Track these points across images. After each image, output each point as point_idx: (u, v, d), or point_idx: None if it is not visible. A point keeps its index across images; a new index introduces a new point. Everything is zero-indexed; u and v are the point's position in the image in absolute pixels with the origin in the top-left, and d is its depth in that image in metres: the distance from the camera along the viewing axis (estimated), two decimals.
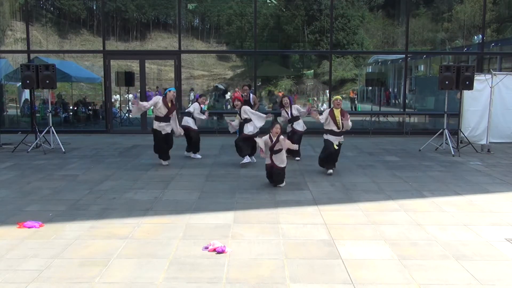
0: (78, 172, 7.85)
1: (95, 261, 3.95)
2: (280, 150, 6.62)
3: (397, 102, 17.65)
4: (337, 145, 7.54)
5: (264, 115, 8.52)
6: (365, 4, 20.07)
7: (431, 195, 6.32)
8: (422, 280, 3.61)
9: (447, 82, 9.85)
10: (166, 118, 8.17)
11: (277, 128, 6.52)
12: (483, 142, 10.72)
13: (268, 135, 6.64)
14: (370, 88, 20.03)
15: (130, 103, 18.10)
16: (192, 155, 9.22)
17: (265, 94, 18.62)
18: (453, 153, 9.71)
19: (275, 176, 6.65)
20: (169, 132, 8.24)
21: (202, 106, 9.40)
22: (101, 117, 15.45)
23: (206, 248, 4.24)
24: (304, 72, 20.58)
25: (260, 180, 7.10)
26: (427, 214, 5.42)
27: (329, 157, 7.58)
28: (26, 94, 14.67)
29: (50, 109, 10.95)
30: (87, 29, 22.95)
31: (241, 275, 3.68)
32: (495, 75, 10.80)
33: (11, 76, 14.77)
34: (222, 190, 6.56)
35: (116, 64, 18.69)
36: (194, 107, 9.12)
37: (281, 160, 6.63)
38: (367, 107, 18.78)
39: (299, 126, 9.00)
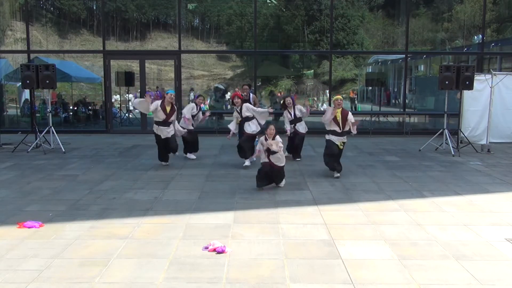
0: (78, 172, 7.85)
1: (95, 261, 3.95)
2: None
3: (397, 102, 17.65)
4: (340, 145, 7.40)
5: (267, 110, 8.51)
6: (365, 4, 20.06)
7: (431, 195, 6.32)
8: (422, 280, 3.62)
9: (447, 82, 9.85)
10: (165, 123, 8.00)
11: (271, 129, 6.44)
12: (483, 142, 10.72)
13: (264, 136, 6.57)
14: (370, 88, 20.02)
15: (132, 101, 18.14)
16: (188, 155, 9.11)
17: (265, 94, 18.61)
18: (453, 153, 9.71)
19: (275, 175, 6.59)
20: (169, 136, 8.02)
21: (202, 106, 9.35)
22: (101, 117, 15.45)
23: (206, 248, 4.24)
24: (304, 72, 20.58)
25: None
26: (427, 214, 5.42)
27: (331, 157, 7.47)
28: (26, 94, 14.67)
29: (50, 109, 10.96)
30: (87, 29, 22.94)
31: (241, 275, 3.68)
32: (495, 75, 10.80)
33: (11, 76, 14.76)
34: (222, 190, 6.56)
35: (116, 64, 18.68)
36: (189, 108, 8.94)
37: (278, 159, 6.53)
38: (367, 107, 18.77)
39: (302, 127, 8.85)
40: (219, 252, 4.14)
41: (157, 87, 20.34)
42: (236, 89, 16.45)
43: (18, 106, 15.79)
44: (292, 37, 19.74)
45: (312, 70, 20.41)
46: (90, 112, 16.17)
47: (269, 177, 6.61)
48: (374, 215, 5.37)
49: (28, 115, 14.15)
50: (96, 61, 17.36)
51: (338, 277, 3.67)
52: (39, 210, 5.50)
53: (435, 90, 12.84)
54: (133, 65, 18.57)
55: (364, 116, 15.33)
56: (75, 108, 16.30)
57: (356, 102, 19.67)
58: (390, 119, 15.42)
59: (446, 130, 10.18)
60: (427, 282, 3.59)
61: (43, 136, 10.28)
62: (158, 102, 8.00)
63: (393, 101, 18.54)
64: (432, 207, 5.75)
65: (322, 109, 17.28)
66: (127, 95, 18.14)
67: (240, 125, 8.52)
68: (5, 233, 4.67)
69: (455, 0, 17.79)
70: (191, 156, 9.11)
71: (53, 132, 10.28)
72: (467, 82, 9.81)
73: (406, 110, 14.50)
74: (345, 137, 7.45)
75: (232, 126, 8.55)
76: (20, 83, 10.93)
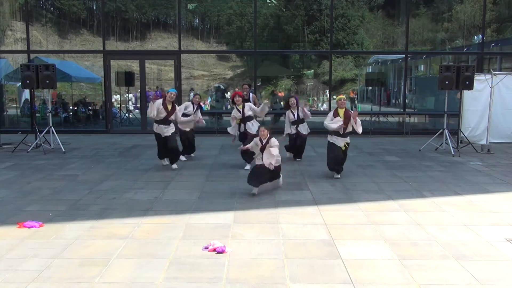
0: (78, 172, 7.85)
1: (95, 261, 3.95)
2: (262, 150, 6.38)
3: (397, 102, 17.65)
4: (343, 147, 7.27)
5: (265, 104, 8.54)
6: (365, 4, 20.05)
7: (431, 195, 6.32)
8: (422, 280, 3.62)
9: (447, 82, 9.85)
10: (165, 121, 7.95)
11: (263, 131, 6.30)
12: (483, 142, 10.72)
13: (258, 137, 6.42)
14: (370, 88, 20.02)
15: (131, 103, 18.14)
16: (182, 157, 8.91)
17: (266, 94, 18.61)
18: (453, 153, 9.71)
19: (270, 176, 6.42)
20: (169, 135, 7.97)
21: (203, 105, 9.31)
22: (101, 117, 15.45)
23: (206, 248, 4.24)
24: (304, 72, 20.57)
25: None
26: (427, 214, 5.42)
27: (335, 160, 7.33)
28: (26, 94, 14.67)
29: (50, 109, 10.96)
30: (87, 29, 22.94)
31: (241, 275, 3.68)
32: (495, 75, 10.80)
33: (11, 76, 14.76)
34: (222, 190, 6.56)
35: (116, 64, 18.68)
36: (181, 107, 8.71)
37: (274, 161, 6.28)
38: (367, 107, 18.77)
39: (304, 129, 8.74)
40: (219, 252, 4.14)
41: (157, 87, 20.33)
42: (236, 89, 16.45)
43: (18, 106, 15.78)
44: (292, 37, 19.74)
45: (312, 70, 20.40)
46: (90, 112, 16.17)
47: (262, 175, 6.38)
48: (374, 215, 5.37)
49: (28, 115, 14.15)
50: (96, 61, 17.35)
51: (338, 277, 3.67)
52: (39, 210, 5.50)
53: (435, 90, 12.84)
54: (133, 65, 18.57)
55: (364, 116, 15.33)
56: (75, 108, 16.29)
57: (356, 102, 19.67)
58: (390, 119, 15.43)
59: (446, 130, 10.18)
60: (427, 282, 3.59)
61: (43, 136, 10.28)
62: (160, 101, 7.97)
63: (393, 101, 18.54)
64: (432, 207, 5.75)
65: (322, 109, 17.29)
66: (127, 95, 18.15)
67: (240, 125, 8.43)
68: (5, 233, 4.67)
69: (455, 0, 17.79)
70: (182, 158, 8.93)
71: (53, 132, 10.28)
72: (467, 82, 9.81)
73: (406, 110, 14.50)
74: (348, 137, 7.35)
75: (232, 130, 8.45)
76: (20, 83, 10.93)
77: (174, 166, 8.12)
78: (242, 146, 6.96)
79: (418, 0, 17.23)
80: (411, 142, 11.80)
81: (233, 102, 8.43)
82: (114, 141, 11.85)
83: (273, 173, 6.41)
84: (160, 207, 5.67)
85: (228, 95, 18.19)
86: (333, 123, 7.20)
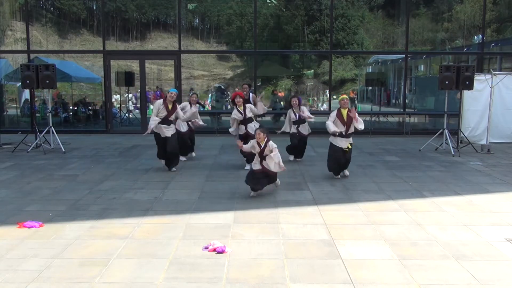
0: (78, 172, 7.85)
1: (95, 261, 3.95)
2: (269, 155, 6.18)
3: (397, 102, 17.65)
4: (346, 148, 7.13)
5: (259, 101, 8.60)
6: (365, 4, 20.05)
7: (431, 195, 6.32)
8: (422, 280, 3.61)
9: (447, 82, 9.85)
10: (165, 121, 7.81)
11: (258, 135, 6.08)
12: (483, 142, 10.72)
13: (255, 141, 6.18)
14: (370, 88, 20.02)
15: (131, 103, 18.14)
16: (182, 158, 8.90)
17: (266, 94, 18.61)
18: (453, 153, 9.71)
19: (270, 180, 6.27)
20: (169, 136, 7.84)
21: (202, 104, 9.28)
22: (101, 117, 15.45)
23: (206, 248, 4.24)
24: (304, 72, 20.57)
25: None
26: (427, 214, 5.42)
27: (336, 162, 7.21)
28: (26, 94, 14.68)
29: (50, 109, 10.96)
30: (87, 29, 22.93)
31: (241, 275, 3.68)
32: (495, 75, 10.80)
33: (11, 76, 14.77)
34: (222, 190, 6.56)
35: (116, 64, 18.67)
36: (181, 107, 8.65)
37: (274, 165, 6.15)
38: (367, 107, 18.77)
39: (305, 129, 8.69)
40: (219, 252, 4.14)
41: (157, 87, 20.34)
42: (236, 89, 16.45)
43: (18, 106, 15.79)
44: (292, 37, 19.74)
45: (312, 70, 20.40)
46: (90, 112, 16.17)
47: (252, 178, 6.20)
48: (374, 215, 5.37)
49: (28, 115, 14.15)
50: (96, 61, 17.35)
51: (338, 277, 3.67)
52: (39, 210, 5.50)
53: (435, 90, 12.85)
54: (133, 65, 18.57)
55: (364, 116, 15.31)
56: (75, 108, 16.30)
57: (356, 102, 19.66)
58: (390, 119, 15.43)
59: (446, 130, 10.18)
60: (427, 282, 3.59)
61: (43, 136, 10.28)
62: (160, 101, 7.91)
63: (393, 101, 18.54)
64: (432, 207, 5.75)
65: (322, 109, 17.29)
66: (127, 95, 18.14)
67: (241, 125, 8.29)
68: (5, 233, 4.67)
69: (455, 0, 17.79)
70: (193, 154, 9.10)
71: (53, 132, 10.28)
72: (467, 82, 9.81)
73: (406, 110, 14.50)
74: (351, 138, 7.22)
75: (234, 132, 8.33)
76: (20, 83, 10.93)
77: (173, 169, 8.02)
78: (238, 141, 6.64)
79: (418, 0, 17.23)
80: (411, 142, 11.80)
81: (234, 103, 8.30)
82: (114, 141, 11.86)
83: (271, 178, 6.29)
84: (160, 207, 5.67)
85: (228, 94, 18.20)
86: (333, 125, 7.09)
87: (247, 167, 7.94)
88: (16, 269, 3.80)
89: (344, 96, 7.26)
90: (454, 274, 3.75)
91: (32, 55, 14.08)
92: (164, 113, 7.80)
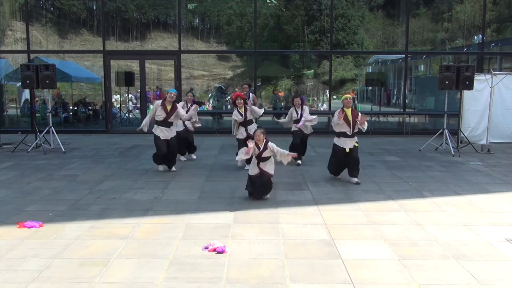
0: (78, 172, 7.85)
1: (95, 261, 3.95)
2: (268, 158, 6.02)
3: (397, 102, 17.66)
4: (350, 149, 6.90)
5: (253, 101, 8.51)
6: (365, 4, 20.06)
7: (431, 195, 6.32)
8: (422, 280, 3.61)
9: (447, 82, 9.86)
10: (165, 123, 7.59)
11: (258, 136, 5.86)
12: (483, 142, 10.72)
13: (254, 143, 5.89)
14: (370, 88, 20.03)
15: (131, 103, 18.15)
16: (183, 158, 8.90)
17: (266, 94, 18.62)
18: (453, 153, 9.71)
19: (263, 184, 5.96)
20: (168, 138, 7.63)
21: (203, 106, 9.24)
22: (101, 117, 15.45)
23: (206, 248, 4.24)
24: (304, 72, 20.58)
25: None
26: (427, 214, 5.42)
27: (338, 164, 7.10)
28: (26, 94, 14.68)
29: (50, 109, 10.96)
30: (87, 29, 22.94)
31: (241, 275, 3.68)
32: (495, 75, 10.80)
33: (11, 76, 14.77)
34: (222, 190, 6.56)
35: (116, 64, 18.68)
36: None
37: (270, 167, 6.02)
38: (367, 107, 18.78)
39: (306, 128, 8.59)
40: (219, 252, 4.14)
41: (157, 87, 20.35)
42: (236, 89, 16.45)
43: (18, 106, 15.79)
44: (292, 37, 19.75)
45: (312, 70, 20.41)
46: (90, 112, 16.18)
47: (253, 183, 6.00)
48: (374, 215, 5.37)
49: (28, 115, 14.15)
50: (96, 61, 17.36)
51: (338, 277, 3.67)
52: (39, 210, 5.50)
53: (435, 90, 12.85)
54: (133, 65, 18.58)
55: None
56: (75, 108, 16.31)
57: (356, 102, 19.66)
58: (390, 119, 15.43)
59: (446, 130, 10.18)
60: (427, 282, 3.59)
61: (43, 136, 10.28)
62: (159, 101, 7.73)
63: (393, 101, 18.55)
64: (432, 207, 5.75)
65: (322, 109, 17.29)
66: (127, 95, 18.15)
67: (241, 127, 8.11)
68: (5, 233, 4.66)
69: (455, 0, 17.79)
70: (193, 156, 9.06)
71: (53, 132, 10.28)
72: (467, 82, 9.81)
73: (406, 110, 14.50)
74: (356, 137, 7.06)
75: (235, 133, 8.17)
76: (20, 83, 10.93)
77: (173, 169, 7.92)
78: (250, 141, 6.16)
79: (418, 0, 17.23)
80: (411, 142, 11.80)
81: (234, 104, 8.16)
82: (114, 141, 11.86)
83: (268, 185, 6.06)
84: (160, 207, 5.67)
85: (228, 95, 18.21)
86: (339, 124, 6.90)
87: (247, 167, 7.91)
88: (16, 269, 3.80)
89: (347, 95, 7.11)
90: (454, 274, 3.75)
91: (32, 55, 14.08)
92: (162, 114, 7.59)
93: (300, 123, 8.45)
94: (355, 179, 7.05)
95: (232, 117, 8.08)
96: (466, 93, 10.62)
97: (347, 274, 3.72)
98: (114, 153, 9.96)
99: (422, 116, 15.83)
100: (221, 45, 23.64)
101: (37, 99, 15.55)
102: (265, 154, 6.00)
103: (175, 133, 7.81)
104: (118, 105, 17.57)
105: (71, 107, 16.66)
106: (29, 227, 4.82)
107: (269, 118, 14.07)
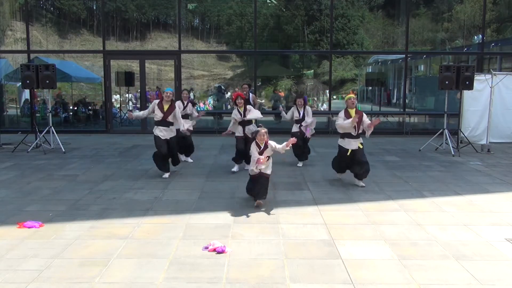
0: (78, 172, 7.85)
1: (95, 261, 3.95)
2: (267, 158, 5.80)
3: (397, 102, 17.66)
4: (354, 150, 6.74)
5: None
6: (365, 4, 20.06)
7: (431, 195, 6.32)
8: (422, 280, 3.61)
9: (447, 82, 9.86)
10: (162, 122, 7.40)
11: (261, 135, 5.66)
12: (483, 142, 10.72)
13: (254, 142, 5.78)
14: (370, 88, 20.03)
15: (131, 103, 18.15)
16: (185, 159, 8.84)
17: (265, 94, 18.62)
18: (453, 153, 9.71)
19: (260, 185, 5.74)
20: (168, 138, 7.45)
21: (202, 105, 9.21)
22: (101, 117, 15.46)
23: (206, 248, 4.24)
24: (304, 72, 20.58)
25: None
26: (427, 214, 5.42)
27: (342, 165, 6.99)
28: (26, 94, 14.68)
29: (50, 109, 10.96)
30: (87, 29, 22.94)
31: (241, 275, 3.68)
32: (495, 75, 10.80)
33: (11, 76, 14.77)
34: (222, 190, 6.56)
35: (116, 64, 18.68)
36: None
37: (267, 167, 5.80)
38: (367, 107, 18.78)
39: (307, 129, 8.46)
40: (219, 252, 4.14)
41: (157, 87, 20.36)
42: (237, 89, 16.45)
43: (18, 106, 15.79)
44: (292, 37, 19.75)
45: (312, 70, 20.41)
46: (90, 112, 16.18)
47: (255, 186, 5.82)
48: (374, 215, 5.37)
49: (28, 115, 14.16)
50: (96, 61, 17.36)
51: (338, 277, 3.67)
52: (39, 210, 5.50)
53: (435, 90, 12.85)
54: (133, 65, 18.57)
55: None
56: (75, 108, 16.31)
57: (356, 102, 19.65)
58: (390, 119, 15.42)
59: (446, 130, 10.18)
60: (427, 282, 3.59)
61: (43, 136, 10.28)
62: (156, 101, 7.57)
63: (393, 101, 18.55)
64: (432, 207, 5.74)
65: (322, 109, 17.29)
66: (127, 95, 18.15)
67: (239, 126, 8.02)
68: (5, 233, 4.66)
69: (455, 0, 17.79)
70: (188, 159, 8.93)
71: (53, 132, 10.28)
72: (467, 82, 9.81)
73: (406, 110, 14.50)
74: (360, 138, 6.88)
75: (232, 128, 8.07)
76: (20, 83, 10.93)
77: (174, 168, 7.85)
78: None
79: (418, 0, 17.23)
80: (411, 142, 11.80)
81: (235, 103, 8.06)
82: (114, 141, 11.86)
83: (265, 186, 5.83)
84: (160, 207, 5.67)
85: (228, 95, 18.20)
86: (346, 123, 6.73)
87: (247, 167, 7.88)
88: (16, 269, 3.80)
89: (351, 95, 6.93)
90: (454, 274, 3.75)
91: (32, 55, 14.08)
92: (159, 114, 7.39)
93: (308, 131, 8.30)
94: (361, 183, 6.89)
95: (232, 115, 8.03)
96: (466, 93, 10.62)
97: (347, 274, 3.72)
98: (114, 153, 9.96)
99: (422, 116, 15.83)
100: (221, 45, 23.64)
101: (38, 99, 15.58)
102: (265, 154, 5.83)
103: (175, 133, 7.65)
104: (118, 105, 17.58)
105: (71, 107, 16.66)
106: (29, 227, 4.82)
107: (270, 118, 14.07)
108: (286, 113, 8.68)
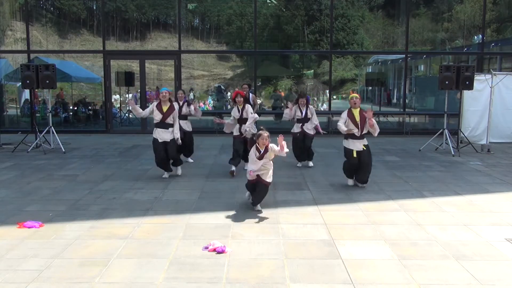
0: (78, 172, 7.85)
1: (95, 261, 3.95)
2: (267, 167, 5.58)
3: (397, 102, 17.67)
4: (359, 152, 6.61)
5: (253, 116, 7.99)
6: (365, 4, 20.07)
7: (431, 195, 6.32)
8: (422, 280, 3.61)
9: (447, 82, 9.86)
10: (161, 124, 7.17)
11: (263, 139, 5.41)
12: (483, 142, 10.72)
13: (254, 146, 5.56)
14: (370, 88, 20.03)
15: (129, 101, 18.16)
16: (183, 158, 8.72)
17: (265, 94, 18.62)
18: (453, 153, 9.71)
19: (257, 191, 5.53)
20: (167, 140, 7.16)
21: (202, 105, 9.20)
22: (101, 117, 15.46)
23: (206, 248, 4.24)
24: (304, 72, 20.59)
25: None
26: (427, 214, 5.42)
27: (351, 167, 6.77)
28: (26, 94, 14.68)
29: (50, 109, 10.96)
30: (87, 29, 22.95)
31: (241, 275, 3.68)
32: (495, 75, 10.80)
33: (11, 76, 14.78)
34: (222, 190, 6.56)
35: (116, 64, 18.69)
36: None
37: (267, 174, 5.56)
38: (367, 107, 18.75)
39: (310, 128, 8.35)
40: (219, 252, 4.14)
41: (157, 87, 20.36)
42: (237, 89, 16.44)
43: (18, 106, 15.79)
44: (292, 37, 19.76)
45: (312, 70, 20.42)
46: (90, 112, 16.18)
47: (251, 188, 5.65)
48: (374, 215, 5.37)
49: (28, 115, 14.16)
50: (96, 61, 17.36)
51: (338, 277, 3.67)
52: (39, 210, 5.50)
53: (435, 90, 12.85)
54: (133, 65, 18.58)
55: None
56: (75, 108, 16.31)
57: None
58: (390, 119, 15.43)
59: (446, 130, 10.18)
60: (427, 282, 3.59)
61: (43, 136, 10.28)
62: (155, 102, 7.41)
63: (393, 101, 18.55)
64: (432, 207, 5.74)
65: (322, 109, 17.29)
66: (127, 95, 18.15)
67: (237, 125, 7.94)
68: (5, 233, 4.66)
69: (455, 0, 17.79)
70: (188, 160, 8.90)
71: (53, 132, 10.28)
72: (467, 82, 9.81)
73: (406, 110, 14.50)
74: (365, 139, 6.74)
75: (232, 121, 7.95)
76: (20, 83, 10.93)
77: (179, 171, 7.61)
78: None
79: (418, 0, 17.23)
80: (411, 142, 11.80)
81: (234, 102, 8.02)
82: (114, 141, 11.86)
83: (261, 194, 5.63)
84: (160, 207, 5.67)
85: (228, 95, 18.20)
86: (345, 126, 6.60)
87: (246, 167, 7.84)
88: (16, 269, 3.80)
89: (354, 94, 6.73)
90: (454, 274, 3.75)
91: (32, 55, 14.08)
92: (158, 115, 7.17)
93: (319, 129, 8.29)
94: (363, 185, 6.81)
95: (232, 113, 8.00)
96: (466, 93, 10.62)
97: (347, 274, 3.72)
98: (114, 153, 9.96)
99: (422, 116, 15.83)
100: (221, 45, 23.65)
101: (40, 98, 15.58)
102: (265, 157, 5.59)
103: (174, 136, 7.24)
104: (118, 105, 17.58)
105: (71, 107, 16.66)
106: (29, 227, 4.82)
107: (270, 118, 14.07)
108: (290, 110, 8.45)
